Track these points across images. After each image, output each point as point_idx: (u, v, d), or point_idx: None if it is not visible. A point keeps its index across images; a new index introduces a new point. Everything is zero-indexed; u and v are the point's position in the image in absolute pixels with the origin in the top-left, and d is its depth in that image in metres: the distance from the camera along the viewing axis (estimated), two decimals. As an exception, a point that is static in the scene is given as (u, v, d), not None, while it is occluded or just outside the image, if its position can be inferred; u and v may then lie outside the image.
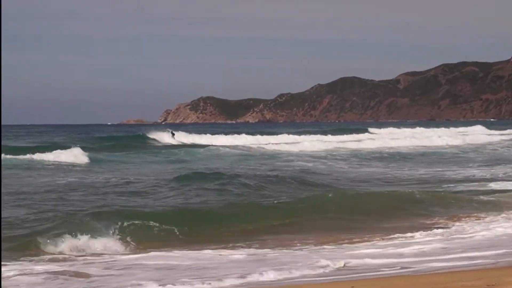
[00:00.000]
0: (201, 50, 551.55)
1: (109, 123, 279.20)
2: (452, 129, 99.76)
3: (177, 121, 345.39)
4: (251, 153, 48.07)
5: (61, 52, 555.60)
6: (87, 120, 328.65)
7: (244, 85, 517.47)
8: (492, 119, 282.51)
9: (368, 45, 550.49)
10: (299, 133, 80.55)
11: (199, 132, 79.77)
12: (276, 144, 58.91)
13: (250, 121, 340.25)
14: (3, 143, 50.17)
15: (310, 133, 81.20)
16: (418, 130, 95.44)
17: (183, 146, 56.94)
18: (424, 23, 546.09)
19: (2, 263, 12.00)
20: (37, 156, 37.06)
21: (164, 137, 67.45)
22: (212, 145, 55.85)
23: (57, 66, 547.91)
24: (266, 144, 59.33)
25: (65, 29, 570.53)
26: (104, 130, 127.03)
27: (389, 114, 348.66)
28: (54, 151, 38.20)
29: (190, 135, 72.31)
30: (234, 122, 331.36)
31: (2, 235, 14.72)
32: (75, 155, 37.17)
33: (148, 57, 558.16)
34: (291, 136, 73.33)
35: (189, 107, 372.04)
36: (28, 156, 36.98)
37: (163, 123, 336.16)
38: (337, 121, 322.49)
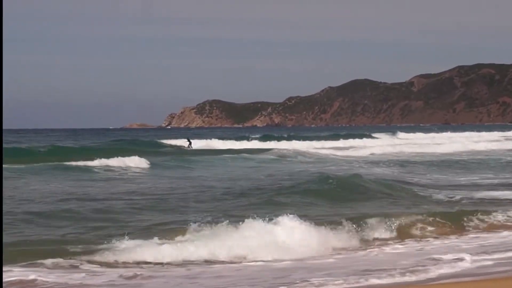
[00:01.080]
0: (207, 52, 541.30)
1: (110, 127, 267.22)
2: (495, 133, 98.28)
3: (182, 125, 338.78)
4: (327, 158, 44.86)
5: (59, 53, 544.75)
6: (87, 125, 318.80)
7: (251, 88, 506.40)
8: (509, 123, 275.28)
9: (380, 46, 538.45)
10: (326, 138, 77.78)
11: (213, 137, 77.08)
12: (336, 148, 57.25)
13: (258, 125, 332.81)
14: (57, 144, 51.67)
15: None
16: (467, 134, 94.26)
17: (232, 150, 52.42)
18: (439, 23, 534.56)
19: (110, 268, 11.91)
20: (101, 162, 35.56)
21: (195, 144, 64.34)
22: (275, 149, 52.84)
23: (56, 68, 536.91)
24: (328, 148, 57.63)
25: (64, 29, 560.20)
26: (116, 134, 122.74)
27: (402, 117, 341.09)
28: (124, 157, 37.05)
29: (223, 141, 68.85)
30: (241, 126, 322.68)
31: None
32: (138, 160, 36.47)
33: (151, 58, 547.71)
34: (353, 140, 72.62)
35: (194, 110, 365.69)
36: (95, 161, 35.47)
37: (168, 127, 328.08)
38: (348, 125, 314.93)
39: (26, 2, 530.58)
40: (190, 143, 63.44)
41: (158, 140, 69.98)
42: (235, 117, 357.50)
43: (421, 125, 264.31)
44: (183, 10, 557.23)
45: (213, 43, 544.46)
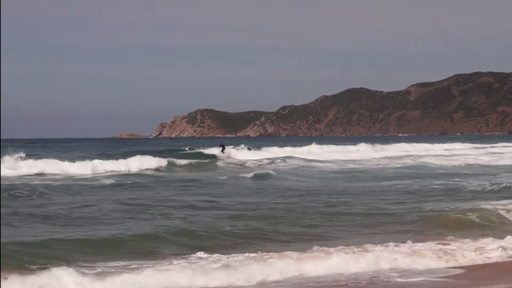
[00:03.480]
0: (198, 60, 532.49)
1: (99, 137, 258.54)
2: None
3: (173, 135, 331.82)
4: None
5: (49, 62, 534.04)
6: (72, 134, 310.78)
7: (244, 97, 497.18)
8: (509, 133, 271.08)
9: (376, 54, 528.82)
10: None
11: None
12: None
13: (251, 135, 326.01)
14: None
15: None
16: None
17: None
18: (436, 31, 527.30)
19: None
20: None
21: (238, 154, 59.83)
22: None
23: (41, 76, 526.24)
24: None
25: (52, 38, 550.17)
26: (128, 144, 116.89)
27: (398, 127, 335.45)
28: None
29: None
30: (233, 136, 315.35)
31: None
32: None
33: (141, 66, 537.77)
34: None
35: (185, 120, 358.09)
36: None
37: (158, 136, 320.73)
38: (344, 135, 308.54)
39: (18, 8, 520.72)
40: (224, 148, 60.07)
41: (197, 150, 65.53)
42: (228, 126, 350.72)
43: (420, 134, 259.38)
44: (174, 18, 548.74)
45: (204, 51, 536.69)
